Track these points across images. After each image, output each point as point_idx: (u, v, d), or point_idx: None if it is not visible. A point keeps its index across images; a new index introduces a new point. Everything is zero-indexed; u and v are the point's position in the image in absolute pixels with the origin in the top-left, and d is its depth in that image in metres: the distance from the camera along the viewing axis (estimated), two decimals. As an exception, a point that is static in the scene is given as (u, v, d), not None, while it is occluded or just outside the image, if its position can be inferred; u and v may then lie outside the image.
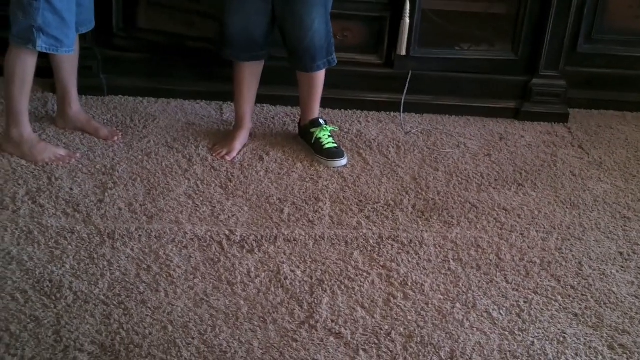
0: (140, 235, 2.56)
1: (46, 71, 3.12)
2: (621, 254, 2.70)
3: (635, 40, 3.70)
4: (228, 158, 3.05)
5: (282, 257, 2.53)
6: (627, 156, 3.36)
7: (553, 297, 2.46)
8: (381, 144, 3.26)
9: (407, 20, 3.36)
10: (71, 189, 2.78)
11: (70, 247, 2.49)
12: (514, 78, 3.57)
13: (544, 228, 2.81)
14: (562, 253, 2.68)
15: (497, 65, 3.56)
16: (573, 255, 2.67)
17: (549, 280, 2.53)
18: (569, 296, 2.47)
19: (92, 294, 2.30)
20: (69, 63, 3.06)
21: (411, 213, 2.83)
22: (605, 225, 2.86)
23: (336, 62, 3.09)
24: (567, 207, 2.95)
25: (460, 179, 3.07)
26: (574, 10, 3.44)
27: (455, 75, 3.55)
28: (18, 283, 2.31)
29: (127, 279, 2.37)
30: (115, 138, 3.13)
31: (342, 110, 3.51)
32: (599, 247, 2.73)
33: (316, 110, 3.16)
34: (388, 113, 3.52)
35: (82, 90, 3.24)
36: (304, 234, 2.64)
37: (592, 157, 3.32)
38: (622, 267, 2.63)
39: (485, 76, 3.56)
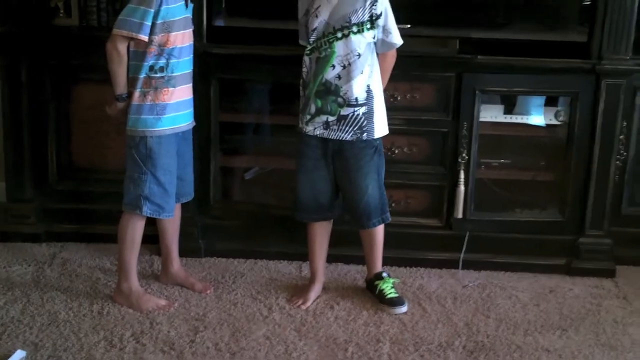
0: (222, 368, 3.04)
1: (154, 238, 3.70)
2: (650, 387, 3.00)
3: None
4: (303, 307, 3.51)
5: (342, 386, 2.94)
6: (668, 306, 3.65)
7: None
8: (440, 296, 3.67)
9: (462, 187, 3.83)
10: (168, 332, 3.28)
11: (165, 376, 2.98)
12: (563, 237, 3.93)
13: (582, 366, 3.14)
14: (595, 385, 3.00)
15: (546, 226, 3.96)
16: (604, 387, 2.99)
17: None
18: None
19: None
20: (171, 228, 3.62)
21: (461, 352, 3.20)
22: (639, 363, 3.17)
23: (390, 219, 3.55)
24: (605, 349, 3.26)
25: (508, 325, 3.42)
26: (612, 178, 3.83)
27: (509, 235, 3.94)
28: (121, 404, 2.80)
29: (209, 402, 2.83)
30: (208, 291, 3.63)
31: (407, 267, 3.92)
32: (630, 380, 3.04)
33: (379, 265, 3.61)
34: (448, 270, 3.92)
35: (182, 253, 3.76)
36: (363, 368, 3.06)
37: (635, 307, 3.62)
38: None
39: (536, 236, 3.94)
